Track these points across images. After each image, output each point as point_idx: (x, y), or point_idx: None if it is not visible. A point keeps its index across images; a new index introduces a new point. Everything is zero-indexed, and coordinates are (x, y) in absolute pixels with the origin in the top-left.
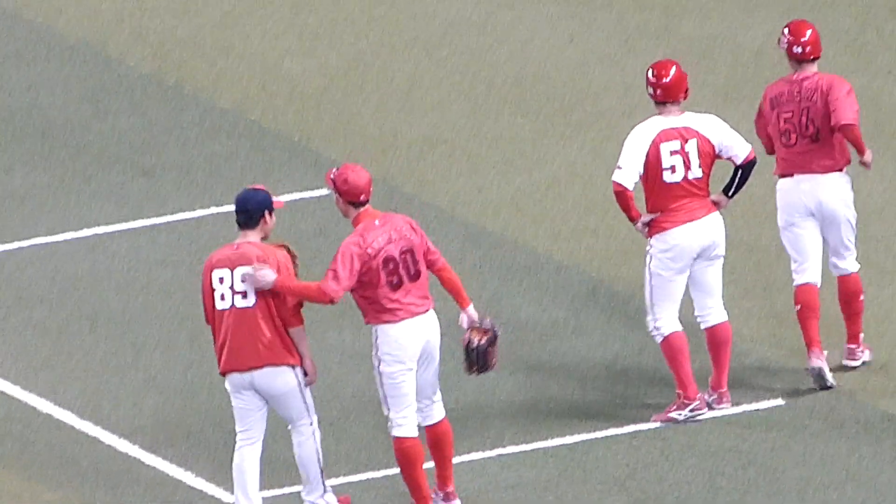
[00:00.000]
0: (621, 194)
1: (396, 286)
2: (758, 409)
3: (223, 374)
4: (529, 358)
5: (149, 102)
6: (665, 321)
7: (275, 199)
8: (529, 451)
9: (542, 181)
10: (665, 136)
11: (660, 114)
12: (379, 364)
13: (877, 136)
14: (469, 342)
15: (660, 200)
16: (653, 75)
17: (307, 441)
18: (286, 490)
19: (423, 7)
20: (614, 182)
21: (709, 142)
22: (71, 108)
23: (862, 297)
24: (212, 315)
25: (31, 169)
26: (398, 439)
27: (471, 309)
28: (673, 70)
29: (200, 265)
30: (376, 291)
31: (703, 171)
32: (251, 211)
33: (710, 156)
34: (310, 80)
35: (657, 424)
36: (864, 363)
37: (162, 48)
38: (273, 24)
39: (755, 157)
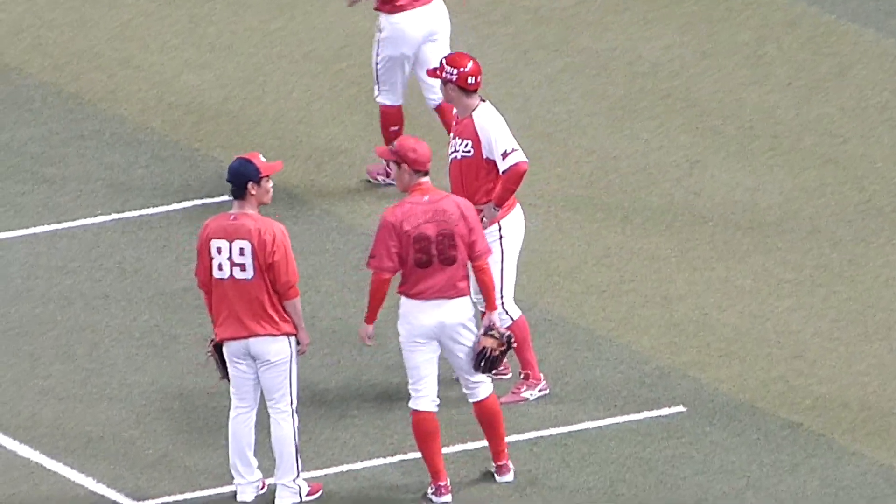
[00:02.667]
0: (526, 171)
1: (424, 265)
2: (658, 417)
3: (220, 341)
4: None
5: (48, 113)
6: (513, 306)
7: (265, 164)
8: None
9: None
10: None
11: (478, 101)
12: (399, 334)
13: (775, 148)
14: (483, 349)
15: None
16: (475, 67)
17: (286, 419)
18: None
19: (320, 20)
20: (523, 162)
21: None
22: None
23: None
24: (208, 281)
25: None
26: (412, 411)
27: (494, 315)
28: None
29: (100, 272)
30: (405, 265)
31: None
32: (233, 182)
33: None
34: (208, 91)
35: (558, 431)
36: None
37: (60, 59)
38: (171, 36)
39: None
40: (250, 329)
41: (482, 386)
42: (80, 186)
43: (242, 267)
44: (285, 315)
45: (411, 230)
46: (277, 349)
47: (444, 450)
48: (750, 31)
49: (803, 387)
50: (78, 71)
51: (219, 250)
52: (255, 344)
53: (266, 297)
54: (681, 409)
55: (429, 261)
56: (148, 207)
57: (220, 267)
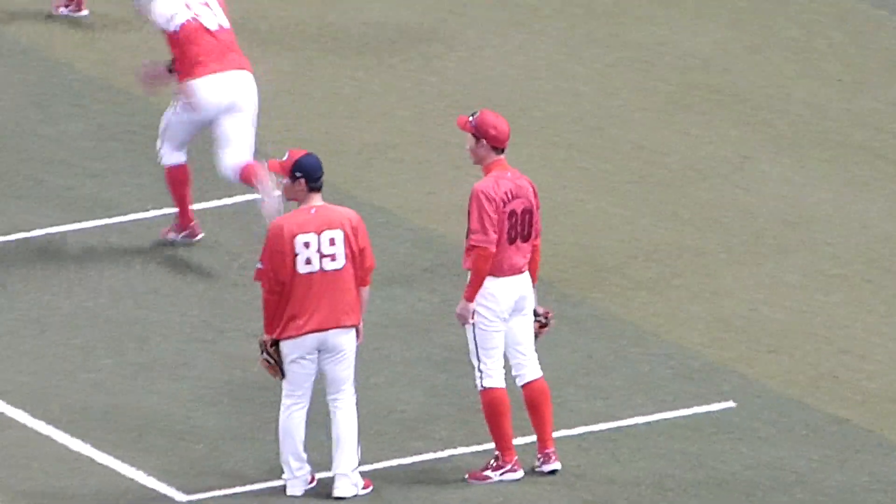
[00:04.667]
0: None
1: (511, 241)
2: (707, 412)
3: (295, 336)
4: None
5: (97, 107)
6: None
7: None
8: (480, 452)
9: None
10: None
11: None
12: (480, 314)
13: (824, 143)
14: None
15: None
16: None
17: (352, 409)
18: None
19: (373, 14)
20: None
21: None
22: (19, 113)
23: None
24: (290, 279)
25: None
26: (485, 390)
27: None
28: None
29: (151, 265)
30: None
31: None
32: (319, 176)
33: None
34: (259, 85)
35: (606, 426)
36: None
37: (111, 54)
38: None
39: None
40: (337, 320)
41: (529, 364)
42: (129, 181)
43: (332, 257)
44: (358, 306)
45: (506, 204)
46: (351, 339)
47: (485, 446)
48: (799, 26)
49: (852, 382)
50: (128, 65)
51: (306, 245)
52: (336, 335)
53: (353, 285)
54: (729, 404)
55: (516, 237)
56: (197, 202)
57: (307, 261)
